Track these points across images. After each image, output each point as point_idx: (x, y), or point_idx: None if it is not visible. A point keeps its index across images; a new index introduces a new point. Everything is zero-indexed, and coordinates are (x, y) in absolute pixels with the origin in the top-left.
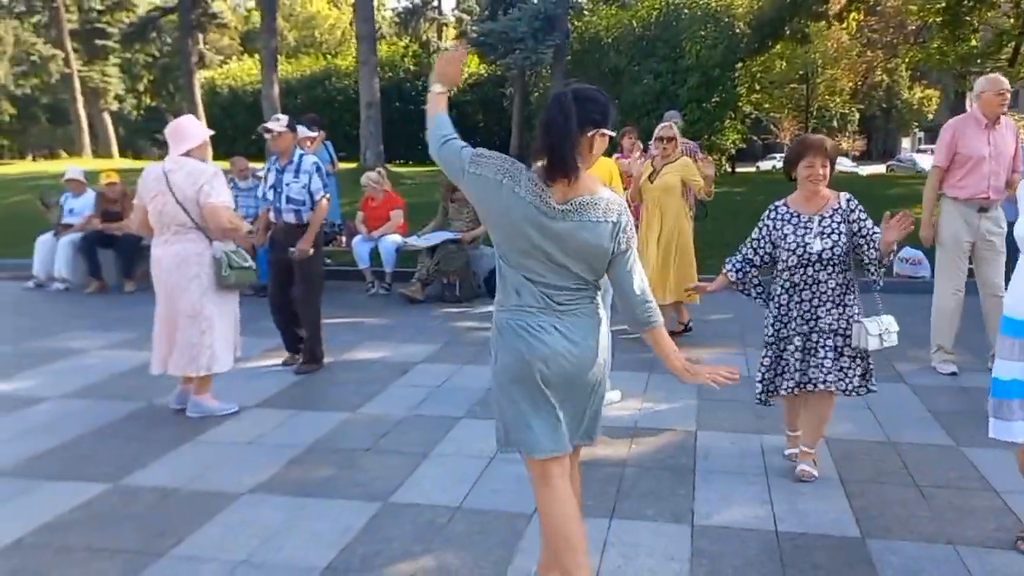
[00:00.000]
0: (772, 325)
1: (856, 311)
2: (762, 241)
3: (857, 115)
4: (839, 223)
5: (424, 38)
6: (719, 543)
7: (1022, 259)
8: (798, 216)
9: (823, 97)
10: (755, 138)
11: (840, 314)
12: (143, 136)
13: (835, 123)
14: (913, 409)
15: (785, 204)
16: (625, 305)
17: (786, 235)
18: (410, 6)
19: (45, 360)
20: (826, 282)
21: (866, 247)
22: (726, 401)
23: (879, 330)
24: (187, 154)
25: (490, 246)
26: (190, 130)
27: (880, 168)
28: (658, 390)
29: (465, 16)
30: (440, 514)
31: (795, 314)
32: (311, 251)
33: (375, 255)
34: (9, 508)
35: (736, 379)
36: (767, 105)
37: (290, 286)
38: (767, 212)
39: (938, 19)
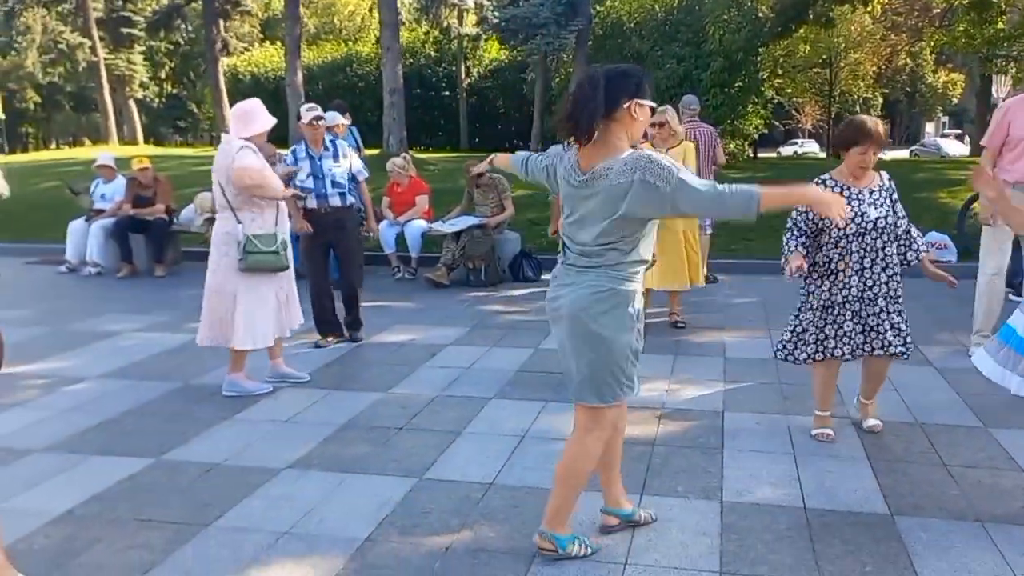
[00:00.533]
0: (827, 291)
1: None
2: (810, 213)
3: (880, 99)
4: (886, 197)
5: (445, 24)
6: (749, 519)
7: None
8: (848, 188)
9: (846, 82)
10: (777, 123)
11: (898, 281)
12: (165, 123)
13: (858, 108)
14: (941, 391)
15: (832, 178)
16: (719, 213)
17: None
18: None
19: (83, 341)
20: (883, 249)
21: (898, 224)
22: (751, 384)
23: None
24: (249, 140)
25: (515, 231)
26: (256, 116)
27: (904, 153)
28: (684, 372)
29: (486, 2)
30: (475, 489)
31: (855, 281)
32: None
33: (401, 240)
34: (58, 481)
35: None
36: (789, 90)
37: (326, 271)
38: (817, 185)
39: (964, 1)
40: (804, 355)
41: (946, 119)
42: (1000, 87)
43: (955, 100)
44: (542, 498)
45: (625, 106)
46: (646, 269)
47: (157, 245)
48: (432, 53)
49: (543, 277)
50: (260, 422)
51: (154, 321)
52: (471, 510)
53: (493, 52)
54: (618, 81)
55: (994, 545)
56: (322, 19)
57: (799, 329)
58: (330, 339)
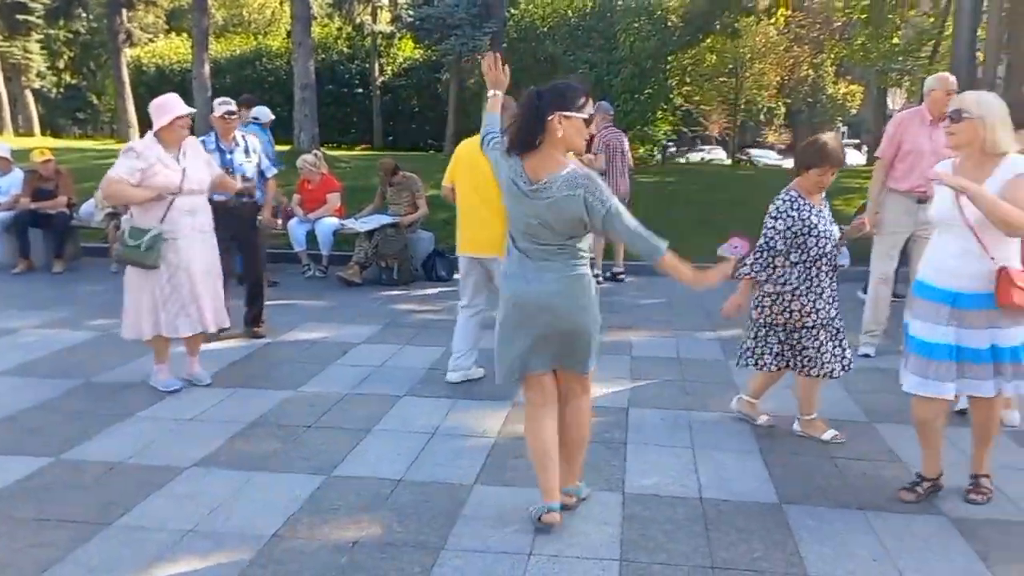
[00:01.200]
0: (823, 308)
1: None
2: (788, 232)
3: (783, 109)
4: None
5: (359, 20)
6: (649, 509)
7: (935, 235)
8: (813, 205)
9: (751, 91)
10: (685, 130)
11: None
12: (64, 114)
13: (762, 116)
14: (831, 388)
15: (801, 196)
16: (631, 248)
17: (815, 223)
18: None
19: None
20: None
21: None
22: (656, 381)
23: None
24: (157, 135)
25: (428, 230)
26: (165, 109)
27: None
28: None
29: (401, 0)
30: (384, 485)
31: (828, 294)
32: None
33: (312, 238)
34: None
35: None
36: (697, 98)
37: (230, 263)
38: (790, 203)
39: (862, 16)
40: (773, 364)
41: (845, 129)
42: (895, 99)
43: (854, 111)
44: (451, 493)
45: (550, 119)
46: None
47: (57, 240)
48: (345, 49)
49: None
50: (165, 420)
51: (53, 317)
52: (380, 505)
53: (408, 50)
54: (548, 96)
55: (873, 530)
56: (231, 11)
57: (762, 341)
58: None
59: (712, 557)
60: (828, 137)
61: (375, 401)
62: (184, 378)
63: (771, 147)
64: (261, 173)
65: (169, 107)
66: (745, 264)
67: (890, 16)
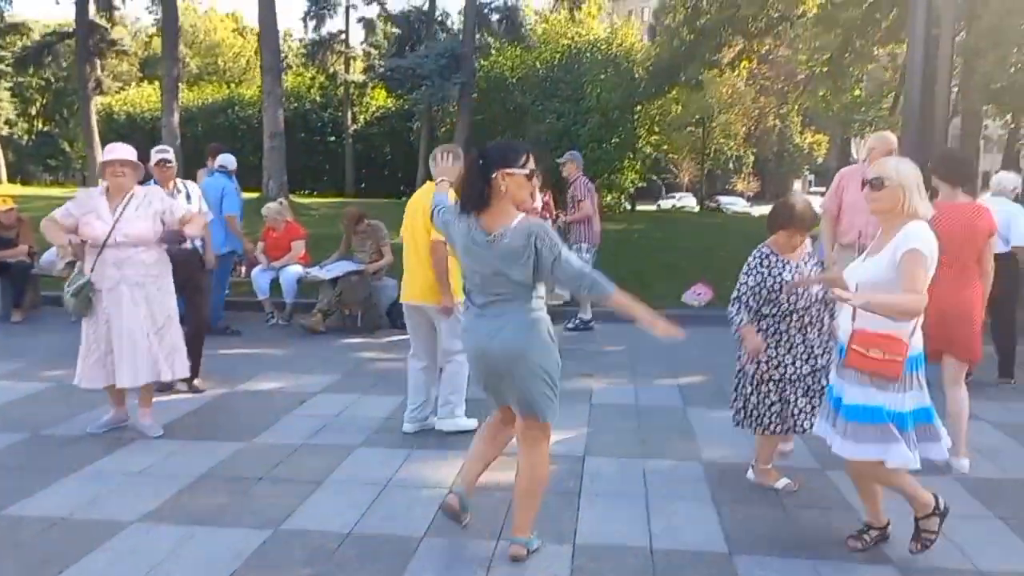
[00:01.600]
0: (792, 364)
1: None
2: (759, 288)
3: (752, 157)
4: (813, 266)
5: (331, 70)
6: (598, 560)
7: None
8: (788, 262)
9: (718, 140)
10: (655, 178)
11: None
12: (35, 161)
13: (731, 165)
14: None
15: (773, 252)
16: (579, 290)
17: (787, 280)
18: (317, 38)
19: None
20: (824, 319)
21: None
22: (613, 430)
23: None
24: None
25: (392, 277)
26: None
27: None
28: None
29: (373, 50)
30: (330, 540)
31: (801, 351)
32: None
33: (276, 286)
34: None
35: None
36: (665, 147)
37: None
38: (759, 260)
39: (823, 69)
40: (775, 427)
41: (812, 177)
42: (859, 149)
43: (820, 159)
44: (399, 546)
45: (494, 176)
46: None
47: (17, 289)
48: (318, 98)
49: None
50: (112, 474)
51: (7, 368)
52: (325, 561)
53: (380, 99)
54: (490, 156)
55: None
56: (205, 59)
57: (764, 403)
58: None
59: None
60: (798, 200)
61: (329, 452)
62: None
63: (740, 194)
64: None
65: (104, 153)
66: (731, 316)
67: (850, 69)
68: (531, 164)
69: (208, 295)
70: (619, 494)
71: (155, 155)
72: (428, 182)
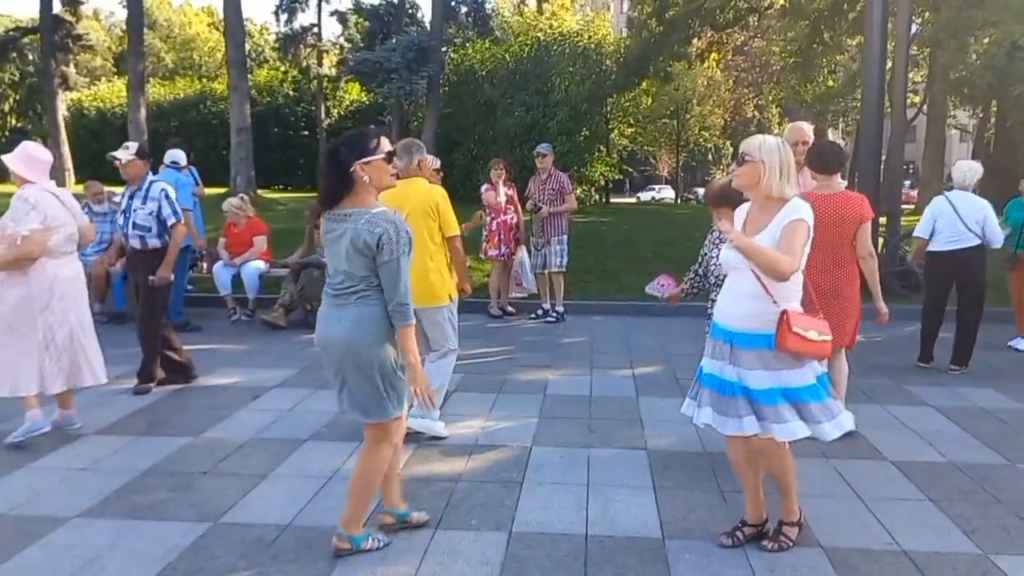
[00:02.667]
0: None
1: None
2: (703, 260)
3: (731, 149)
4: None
5: (304, 64)
6: (532, 548)
7: (728, 276)
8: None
9: (694, 132)
10: (631, 170)
11: None
12: None
13: (709, 156)
14: None
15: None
16: (387, 300)
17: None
18: (289, 32)
19: None
20: None
21: None
22: (563, 420)
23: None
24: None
25: None
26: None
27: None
28: (502, 410)
29: (346, 44)
30: (268, 532)
31: None
32: (171, 277)
33: (238, 281)
34: None
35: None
36: (640, 139)
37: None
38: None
39: (792, 61)
40: None
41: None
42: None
43: None
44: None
45: (352, 170)
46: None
47: None
48: (291, 92)
49: None
50: (56, 470)
51: None
52: (260, 553)
53: (354, 93)
54: (344, 149)
55: (748, 563)
56: (180, 54)
57: None
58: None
59: None
60: (714, 181)
61: (277, 446)
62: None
63: None
64: (163, 222)
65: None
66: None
67: (820, 60)
68: (386, 146)
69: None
70: (561, 483)
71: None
72: (414, 178)
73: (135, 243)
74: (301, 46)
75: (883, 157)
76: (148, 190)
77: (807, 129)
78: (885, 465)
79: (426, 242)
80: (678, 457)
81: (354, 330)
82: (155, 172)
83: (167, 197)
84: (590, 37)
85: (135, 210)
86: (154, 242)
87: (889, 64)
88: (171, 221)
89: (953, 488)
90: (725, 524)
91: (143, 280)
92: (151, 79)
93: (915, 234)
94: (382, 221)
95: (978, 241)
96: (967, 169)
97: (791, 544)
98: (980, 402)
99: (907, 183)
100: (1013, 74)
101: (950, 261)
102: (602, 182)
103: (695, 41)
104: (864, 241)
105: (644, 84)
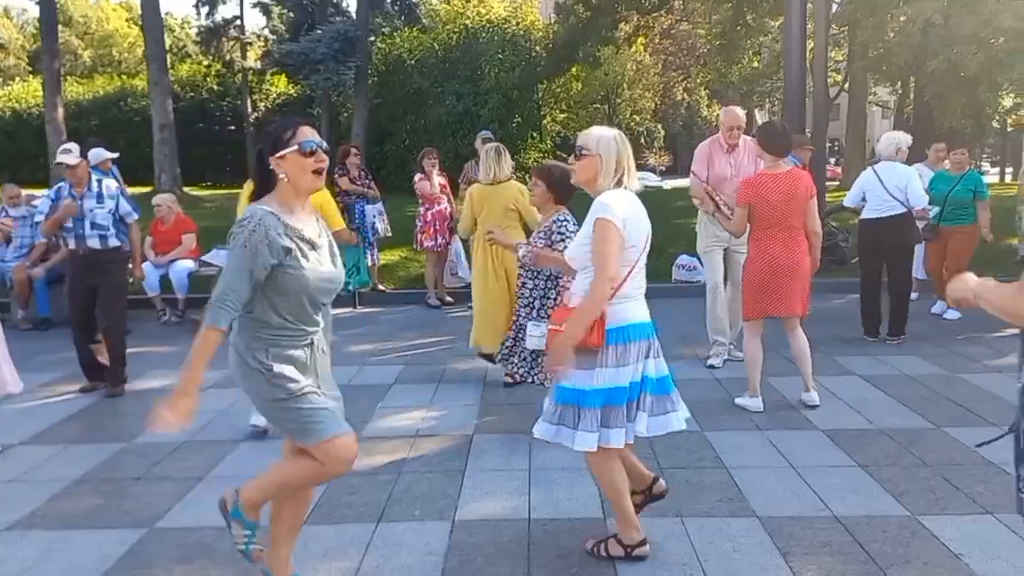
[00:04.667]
0: None
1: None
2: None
3: (663, 132)
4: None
5: (228, 57)
6: (475, 535)
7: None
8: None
9: (626, 115)
10: (565, 156)
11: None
12: None
13: (643, 140)
14: None
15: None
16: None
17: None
18: (211, 25)
19: None
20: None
21: None
22: (503, 407)
23: (542, 332)
24: None
25: None
26: None
27: (686, 182)
28: (444, 399)
29: (271, 36)
30: (207, 535)
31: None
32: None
33: (166, 282)
34: None
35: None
36: (573, 125)
37: (91, 314)
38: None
39: (717, 43)
40: None
41: None
42: (762, 119)
43: None
44: None
45: (272, 167)
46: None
47: None
48: (215, 87)
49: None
50: None
51: None
52: (199, 556)
53: (281, 85)
54: (263, 146)
55: (688, 537)
56: (99, 50)
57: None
58: (99, 385)
59: None
60: (556, 169)
61: (213, 448)
62: None
63: (652, 169)
64: (122, 219)
65: None
66: None
67: (742, 43)
68: (301, 136)
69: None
70: (503, 469)
71: (58, 155)
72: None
73: (94, 243)
74: (224, 39)
75: (807, 135)
76: (101, 190)
77: (740, 114)
78: (816, 434)
79: None
80: None
81: (233, 363)
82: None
83: (123, 194)
84: (518, 23)
85: (92, 210)
86: (114, 241)
87: (811, 44)
88: (133, 218)
89: (881, 453)
90: (666, 500)
91: (105, 281)
92: (68, 77)
93: (844, 203)
94: (240, 221)
95: (903, 209)
96: (891, 140)
97: (606, 556)
98: (905, 369)
99: (832, 160)
100: (928, 50)
101: (877, 228)
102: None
103: (622, 25)
104: (815, 216)
105: (574, 69)
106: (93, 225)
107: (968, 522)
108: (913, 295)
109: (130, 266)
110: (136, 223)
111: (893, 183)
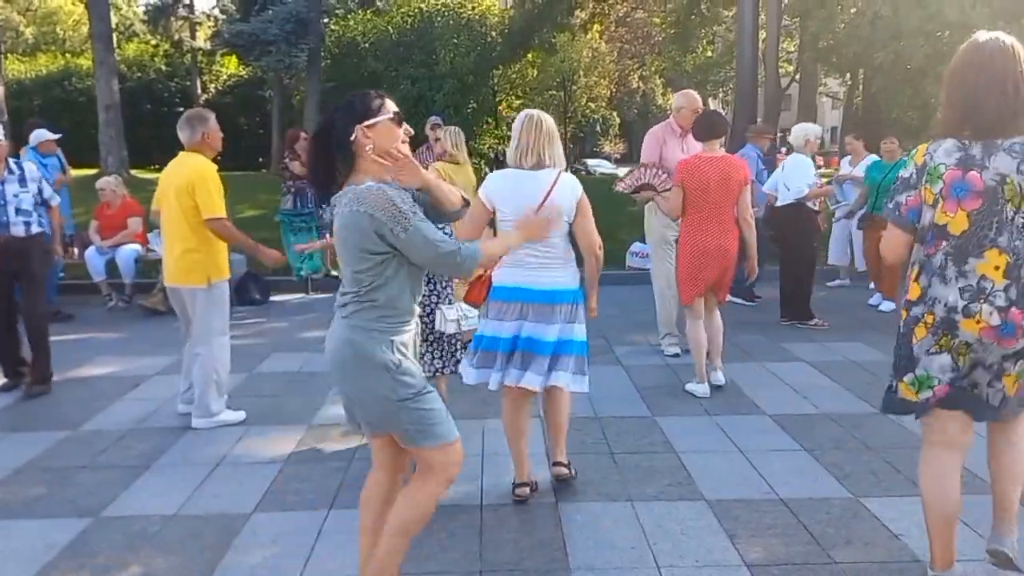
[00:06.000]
0: None
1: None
2: None
3: (618, 120)
4: None
5: (176, 37)
6: (429, 521)
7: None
8: None
9: (581, 103)
10: None
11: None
12: None
13: (598, 127)
14: (622, 387)
15: None
16: (446, 271)
17: None
18: (159, 4)
19: None
20: None
21: None
22: (454, 392)
23: (456, 315)
24: None
25: (240, 253)
26: None
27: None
28: None
29: (220, 15)
30: (152, 523)
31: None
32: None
33: (112, 267)
34: None
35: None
36: None
37: (11, 303)
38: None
39: (671, 31)
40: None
41: None
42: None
43: None
44: (226, 523)
45: (353, 137)
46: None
47: None
48: (163, 67)
49: (272, 299)
50: None
51: None
52: (144, 545)
53: (232, 67)
54: (343, 116)
55: (637, 521)
56: (41, 28)
57: None
58: (20, 382)
59: (481, 561)
60: None
61: (159, 435)
62: None
63: (607, 157)
64: (44, 203)
65: None
66: None
67: (696, 32)
68: (391, 107)
69: (46, 287)
70: None
71: None
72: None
73: (19, 230)
74: (172, 18)
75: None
76: (23, 173)
77: (698, 97)
78: (763, 419)
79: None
80: (575, 423)
81: (335, 351)
82: (16, 157)
83: (44, 177)
84: (474, 8)
85: (15, 195)
86: (37, 227)
87: (763, 34)
88: (55, 201)
89: (826, 437)
90: (616, 485)
91: (29, 269)
92: (9, 55)
93: (763, 189)
94: (363, 196)
95: (792, 199)
96: (799, 131)
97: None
98: (850, 355)
99: (782, 149)
100: (876, 42)
101: (776, 218)
102: (492, 155)
103: (578, 12)
104: (747, 203)
105: (530, 56)
106: (18, 211)
107: (908, 503)
108: (845, 281)
109: (57, 248)
110: (56, 207)
111: (789, 175)
